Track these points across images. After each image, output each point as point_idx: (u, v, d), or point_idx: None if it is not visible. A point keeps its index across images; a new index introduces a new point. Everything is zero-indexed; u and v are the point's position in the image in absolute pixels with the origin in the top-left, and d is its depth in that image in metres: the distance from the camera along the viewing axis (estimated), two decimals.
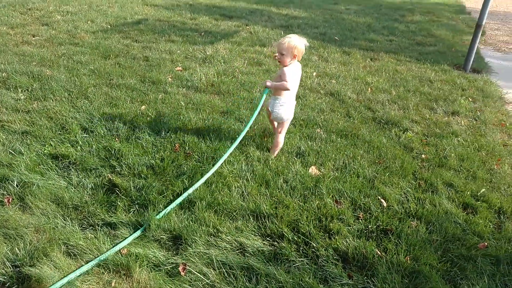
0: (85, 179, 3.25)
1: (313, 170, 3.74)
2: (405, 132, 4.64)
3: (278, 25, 8.66)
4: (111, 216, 2.88)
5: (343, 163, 3.88)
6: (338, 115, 4.87)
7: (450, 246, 2.98)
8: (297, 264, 2.69)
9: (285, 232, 2.90)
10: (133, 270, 2.50)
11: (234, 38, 7.41)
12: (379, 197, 3.43)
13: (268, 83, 3.66)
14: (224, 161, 3.63)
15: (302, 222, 3.02)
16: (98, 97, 4.56)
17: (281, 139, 3.92)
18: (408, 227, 3.11)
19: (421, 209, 3.32)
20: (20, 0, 8.39)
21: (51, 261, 2.50)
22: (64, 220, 2.84)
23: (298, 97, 5.22)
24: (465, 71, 7.08)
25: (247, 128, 3.68)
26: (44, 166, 3.35)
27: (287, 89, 3.62)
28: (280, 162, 3.76)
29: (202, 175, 3.36)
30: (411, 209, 3.34)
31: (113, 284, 2.43)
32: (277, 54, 3.66)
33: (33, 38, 6.27)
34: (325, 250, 2.81)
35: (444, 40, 9.04)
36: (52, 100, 4.39)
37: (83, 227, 2.82)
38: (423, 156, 4.19)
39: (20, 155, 3.44)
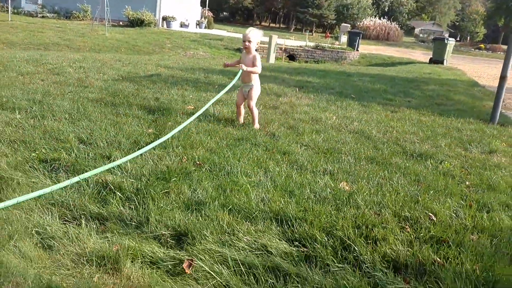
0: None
1: (344, 185, 3.18)
2: (442, 163, 4.11)
3: (292, 85, 8.49)
4: (101, 209, 2.32)
5: (378, 183, 3.33)
6: (364, 148, 4.38)
7: None
8: (335, 269, 2.06)
9: (317, 235, 2.30)
10: (123, 264, 1.90)
11: None
12: (427, 211, 2.84)
13: (244, 67, 4.39)
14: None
15: (338, 228, 2.43)
16: (102, 120, 4.16)
17: (254, 107, 4.65)
18: (468, 240, 2.49)
19: (481, 222, 2.71)
20: (35, 57, 8.39)
21: (19, 250, 1.92)
22: (42, 213, 2.28)
23: (318, 132, 4.80)
24: (493, 124, 6.66)
25: (222, 93, 4.91)
26: (29, 166, 2.85)
27: (258, 72, 4.56)
28: (304, 177, 3.23)
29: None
30: (468, 224, 2.73)
31: (95, 279, 1.82)
32: (246, 43, 4.46)
33: (41, 82, 6.06)
34: (370, 255, 2.19)
35: (463, 103, 8.74)
36: (51, 120, 3.99)
37: (66, 220, 2.25)
38: (467, 183, 3.63)
39: (3, 157, 2.96)
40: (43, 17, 23.99)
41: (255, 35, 4.51)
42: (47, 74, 6.78)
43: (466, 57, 33.93)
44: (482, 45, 45.27)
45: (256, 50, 4.61)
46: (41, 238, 2.05)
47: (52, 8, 24.91)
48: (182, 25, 27.85)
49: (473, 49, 42.85)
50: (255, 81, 4.68)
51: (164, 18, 25.94)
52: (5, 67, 6.98)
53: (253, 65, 4.50)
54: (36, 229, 2.09)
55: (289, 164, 3.53)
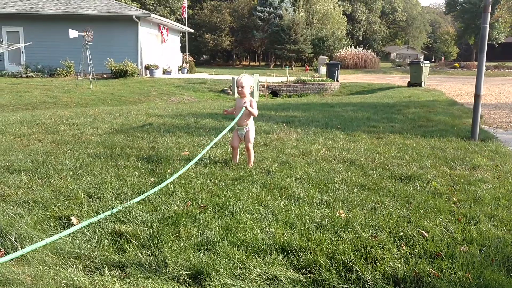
0: (89, 233, 2.92)
1: (340, 213, 3.41)
2: (429, 183, 4.37)
3: (279, 121, 8.82)
4: (121, 257, 2.51)
5: (371, 208, 3.57)
6: (355, 175, 4.63)
7: None
8: None
9: (321, 261, 2.51)
10: None
11: None
12: (419, 229, 3.07)
13: (249, 108, 4.71)
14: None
15: (339, 252, 2.64)
16: (105, 174, 4.37)
17: (252, 149, 4.95)
18: (459, 251, 2.72)
19: (469, 234, 2.95)
20: (28, 119, 8.63)
21: None
22: (67, 267, 2.46)
23: (310, 165, 5.05)
24: (474, 140, 6.99)
25: (224, 132, 4.93)
26: (45, 224, 3.04)
27: (255, 115, 4.87)
28: (303, 209, 3.45)
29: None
30: (458, 237, 2.96)
31: None
32: (239, 88, 4.76)
33: (39, 143, 6.28)
34: (371, 273, 2.40)
35: (444, 123, 9.12)
36: (57, 179, 4.19)
37: (90, 270, 2.43)
38: (454, 199, 3.88)
39: (21, 218, 3.14)
40: (27, 76, 24.36)
41: (247, 80, 4.80)
42: (43, 134, 7.01)
43: (443, 77, 34.98)
44: (457, 64, 46.68)
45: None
46: None
47: (36, 67, 25.35)
48: (165, 72, 28.47)
49: (448, 69, 44.19)
50: (250, 124, 4.97)
51: (146, 67, 26.52)
52: (1, 131, 7.20)
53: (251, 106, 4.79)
54: (65, 281, 2.27)
55: (287, 198, 3.75)
